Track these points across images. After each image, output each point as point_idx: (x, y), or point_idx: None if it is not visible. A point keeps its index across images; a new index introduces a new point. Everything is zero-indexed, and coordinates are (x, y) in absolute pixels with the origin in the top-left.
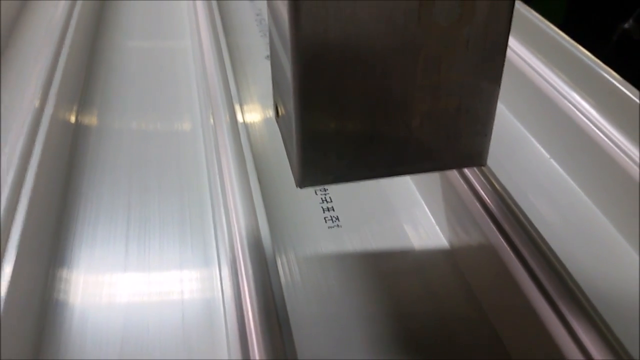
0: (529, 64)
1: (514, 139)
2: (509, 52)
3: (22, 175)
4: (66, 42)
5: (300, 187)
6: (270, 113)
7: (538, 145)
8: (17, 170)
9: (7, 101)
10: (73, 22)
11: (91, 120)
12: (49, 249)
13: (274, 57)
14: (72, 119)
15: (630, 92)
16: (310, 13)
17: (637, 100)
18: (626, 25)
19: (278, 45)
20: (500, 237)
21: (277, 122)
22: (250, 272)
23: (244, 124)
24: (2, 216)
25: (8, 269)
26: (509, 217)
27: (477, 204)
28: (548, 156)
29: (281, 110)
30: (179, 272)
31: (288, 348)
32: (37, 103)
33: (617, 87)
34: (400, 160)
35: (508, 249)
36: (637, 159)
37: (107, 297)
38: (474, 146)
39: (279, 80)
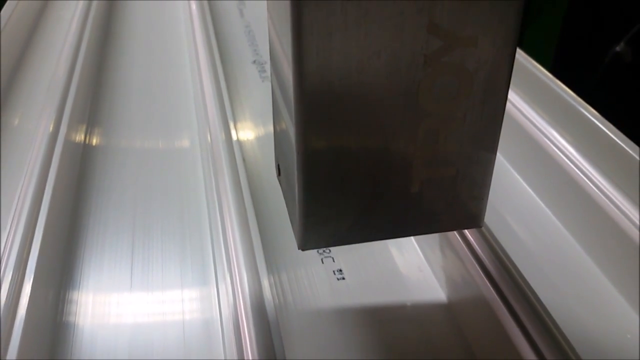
0: (531, 121)
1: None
2: None
3: (38, 203)
4: (77, 66)
5: (303, 250)
6: (261, 130)
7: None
8: (32, 201)
9: (22, 125)
10: (83, 47)
11: (98, 141)
12: (60, 271)
13: (277, 122)
14: (82, 141)
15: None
16: (315, 85)
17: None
18: (618, 48)
19: (283, 110)
20: (495, 294)
21: (278, 180)
22: (246, 290)
23: (238, 140)
24: (20, 241)
25: (27, 288)
26: (504, 275)
27: (474, 262)
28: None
29: (283, 171)
30: (180, 293)
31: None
32: (51, 127)
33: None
34: (400, 223)
35: (503, 307)
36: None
37: (114, 318)
38: (472, 209)
39: (282, 143)
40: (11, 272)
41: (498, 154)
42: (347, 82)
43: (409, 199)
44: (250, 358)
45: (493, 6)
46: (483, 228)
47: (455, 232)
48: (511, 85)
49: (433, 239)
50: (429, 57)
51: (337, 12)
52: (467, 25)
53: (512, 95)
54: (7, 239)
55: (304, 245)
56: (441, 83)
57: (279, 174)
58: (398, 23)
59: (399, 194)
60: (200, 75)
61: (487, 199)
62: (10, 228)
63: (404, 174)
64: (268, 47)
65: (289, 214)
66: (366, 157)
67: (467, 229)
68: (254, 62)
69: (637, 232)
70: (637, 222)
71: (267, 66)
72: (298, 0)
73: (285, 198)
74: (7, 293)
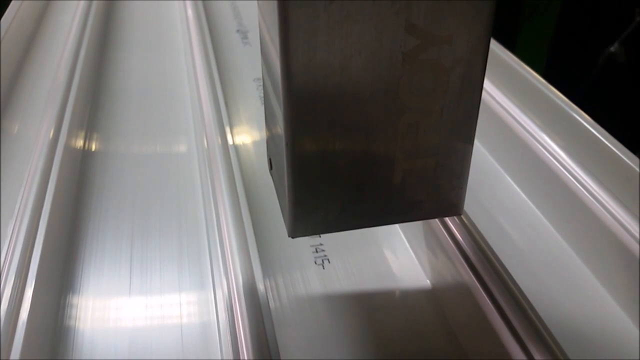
0: (515, 118)
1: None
2: (488, 98)
3: (39, 209)
4: (76, 71)
5: (293, 237)
6: (256, 134)
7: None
8: (33, 207)
9: (22, 132)
10: (82, 53)
11: (97, 146)
12: (61, 277)
13: (269, 118)
14: (81, 147)
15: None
16: (302, 82)
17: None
18: (612, 49)
19: (274, 105)
20: (475, 280)
21: (271, 174)
22: (242, 294)
23: (234, 145)
24: (21, 247)
25: (29, 293)
26: (483, 261)
27: (455, 249)
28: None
29: (274, 164)
30: (178, 297)
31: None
32: (51, 134)
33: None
34: (385, 211)
35: (483, 292)
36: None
37: (114, 322)
38: (452, 198)
39: (274, 138)
40: (13, 278)
41: (490, 157)
42: (332, 79)
43: (392, 189)
44: (246, 359)
45: (466, 5)
46: (476, 233)
47: (437, 221)
48: (503, 90)
49: (417, 226)
50: (407, 55)
51: (320, 13)
52: (442, 24)
53: (504, 100)
54: (8, 245)
55: (293, 233)
56: (419, 79)
57: (270, 167)
58: (377, 23)
59: (382, 184)
60: (193, 56)
61: (466, 188)
62: (11, 234)
63: (386, 165)
64: (249, 19)
65: (279, 204)
66: (351, 149)
67: (448, 216)
68: (238, 31)
69: (626, 234)
70: (627, 225)
71: (249, 34)
72: (284, 1)
73: (276, 190)
74: (10, 298)
